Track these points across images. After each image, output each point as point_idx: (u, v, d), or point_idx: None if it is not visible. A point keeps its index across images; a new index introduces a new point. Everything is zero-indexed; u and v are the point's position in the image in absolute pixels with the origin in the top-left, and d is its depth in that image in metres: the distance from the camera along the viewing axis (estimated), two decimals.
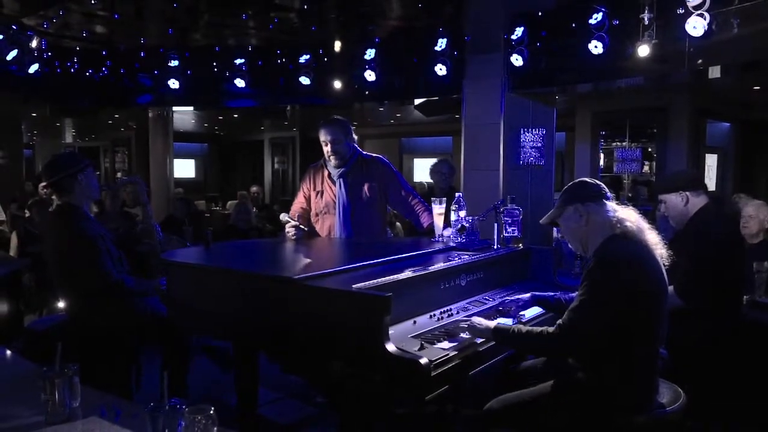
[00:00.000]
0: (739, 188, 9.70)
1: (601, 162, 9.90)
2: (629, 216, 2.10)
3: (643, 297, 1.98)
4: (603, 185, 2.21)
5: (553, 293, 2.54)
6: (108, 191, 6.10)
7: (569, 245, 2.29)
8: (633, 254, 2.01)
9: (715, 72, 4.86)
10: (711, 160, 10.71)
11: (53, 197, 3.18)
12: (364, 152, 3.71)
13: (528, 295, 2.47)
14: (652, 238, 2.09)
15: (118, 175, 14.45)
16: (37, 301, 5.45)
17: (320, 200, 3.62)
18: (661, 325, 2.04)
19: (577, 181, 2.27)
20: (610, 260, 2.00)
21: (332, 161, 3.54)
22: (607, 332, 1.95)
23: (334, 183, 3.58)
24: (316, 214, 3.66)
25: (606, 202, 2.13)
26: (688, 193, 3.01)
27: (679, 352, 2.46)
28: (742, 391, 2.87)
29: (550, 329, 2.01)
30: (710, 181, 10.51)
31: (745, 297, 3.15)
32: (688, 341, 2.72)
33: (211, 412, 1.30)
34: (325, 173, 3.62)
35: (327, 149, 3.53)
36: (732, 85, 8.27)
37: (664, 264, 2.08)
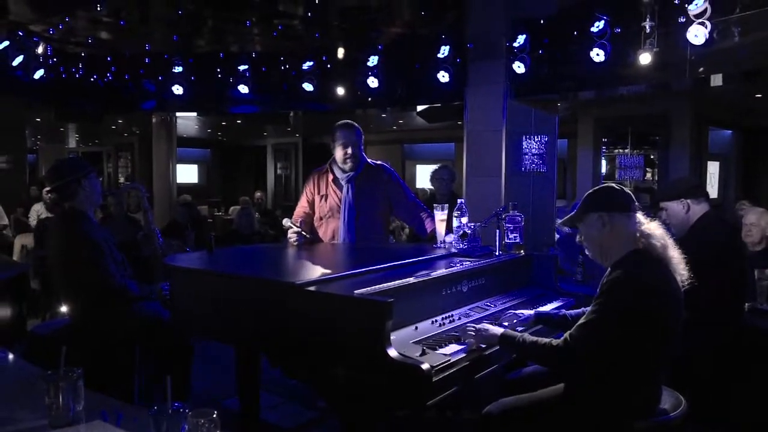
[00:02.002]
0: (741, 195, 9.70)
1: (603, 169, 9.91)
2: (655, 231, 2.04)
3: (658, 320, 1.94)
4: (632, 195, 2.13)
5: (557, 310, 2.52)
6: (113, 197, 6.14)
7: (587, 251, 2.20)
8: (653, 277, 1.96)
9: (717, 80, 4.88)
10: (713, 168, 10.71)
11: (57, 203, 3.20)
12: (369, 159, 3.73)
13: (531, 312, 2.43)
14: (675, 257, 2.03)
15: (121, 180, 14.50)
16: (41, 305, 5.46)
17: (324, 204, 3.63)
18: (672, 341, 2.01)
19: (605, 186, 2.19)
20: (629, 283, 1.94)
21: (347, 165, 3.54)
22: (616, 349, 1.94)
23: (339, 187, 3.59)
24: (320, 218, 3.67)
25: (633, 214, 2.07)
26: (689, 200, 3.01)
27: (681, 359, 2.47)
28: (743, 397, 2.86)
29: (556, 342, 1.99)
30: (712, 189, 10.51)
31: (746, 304, 3.15)
32: (690, 348, 2.72)
33: (214, 416, 1.31)
34: (330, 178, 3.63)
35: (346, 152, 3.52)
36: (734, 93, 8.28)
37: (684, 285, 2.02)
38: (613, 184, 2.19)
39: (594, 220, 2.10)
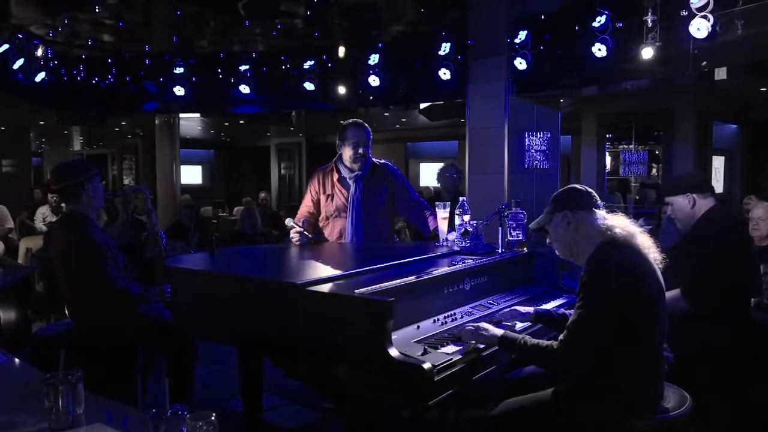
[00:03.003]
0: (747, 190, 9.66)
1: (608, 165, 9.88)
2: (619, 223, 2.10)
3: (640, 303, 1.96)
4: (594, 192, 2.20)
5: (558, 308, 2.51)
6: (120, 199, 6.16)
7: (557, 252, 2.27)
8: (626, 261, 2.00)
9: (721, 73, 4.85)
10: (718, 162, 10.66)
11: (61, 205, 3.21)
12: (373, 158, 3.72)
13: (531, 310, 2.41)
14: (644, 242, 2.08)
15: (126, 182, 14.56)
16: (46, 309, 5.47)
17: (330, 204, 3.61)
18: (660, 327, 2.03)
19: (567, 187, 2.26)
20: (603, 270, 1.99)
21: (357, 164, 3.53)
22: (607, 341, 1.94)
23: (344, 186, 3.58)
24: (326, 218, 3.66)
25: (596, 210, 2.14)
26: (695, 195, 2.98)
27: (686, 356, 2.45)
28: (750, 394, 2.84)
29: (555, 344, 1.99)
30: (718, 183, 10.46)
31: (752, 299, 3.13)
32: (695, 344, 2.70)
33: (212, 418, 1.30)
34: (335, 177, 3.61)
35: (357, 151, 3.50)
36: (738, 87, 8.24)
37: (658, 266, 2.07)
38: (576, 185, 2.26)
39: (560, 220, 2.17)
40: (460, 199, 3.05)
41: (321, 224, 3.69)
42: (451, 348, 2.06)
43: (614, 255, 2.02)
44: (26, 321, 4.74)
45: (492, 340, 2.08)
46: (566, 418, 2.01)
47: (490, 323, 2.22)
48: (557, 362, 2.00)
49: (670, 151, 9.20)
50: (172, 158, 10.84)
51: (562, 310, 2.44)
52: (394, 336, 1.94)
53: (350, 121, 3.63)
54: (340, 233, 3.59)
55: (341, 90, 6.53)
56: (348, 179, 3.56)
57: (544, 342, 2.03)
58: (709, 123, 9.63)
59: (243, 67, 6.85)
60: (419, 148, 15.60)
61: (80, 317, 3.19)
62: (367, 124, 3.61)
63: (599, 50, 4.70)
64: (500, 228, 3.00)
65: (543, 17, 5.20)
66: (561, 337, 1.99)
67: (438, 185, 5.66)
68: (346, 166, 3.57)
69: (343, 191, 3.57)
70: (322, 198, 3.64)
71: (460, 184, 5.45)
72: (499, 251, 2.94)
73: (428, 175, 14.51)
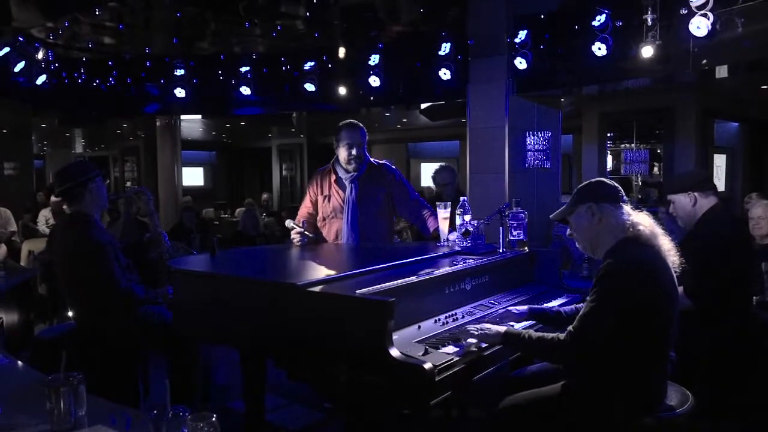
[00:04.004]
0: (748, 188, 9.64)
1: (609, 164, 9.87)
2: (643, 221, 2.08)
3: (654, 303, 1.95)
4: (620, 187, 2.17)
5: (551, 306, 2.51)
6: (123, 200, 6.17)
7: (576, 244, 2.25)
8: (644, 260, 1.99)
9: (722, 72, 4.85)
10: (720, 161, 10.65)
11: (64, 206, 3.21)
12: (372, 158, 3.71)
13: (525, 307, 2.42)
14: (665, 244, 2.06)
15: (128, 184, 14.57)
16: (48, 311, 5.49)
17: (327, 205, 3.62)
18: (671, 329, 2.02)
19: (594, 180, 2.23)
20: (621, 266, 1.97)
21: (351, 165, 3.53)
22: (617, 337, 1.93)
23: (341, 187, 3.58)
24: (323, 219, 3.66)
25: (622, 204, 2.11)
26: (696, 193, 2.98)
27: (688, 354, 2.44)
28: (751, 392, 2.83)
29: (561, 336, 1.98)
30: (719, 182, 10.44)
31: (754, 297, 3.12)
32: (697, 342, 2.70)
33: (213, 419, 1.30)
34: (332, 178, 3.62)
35: (350, 152, 3.49)
36: (739, 85, 8.23)
37: (675, 270, 2.05)
38: (603, 178, 2.23)
39: (584, 211, 2.14)
40: (461, 198, 3.05)
41: (319, 225, 3.70)
42: (452, 348, 2.06)
43: (633, 252, 2.01)
44: (28, 323, 4.76)
45: (496, 338, 2.08)
46: (570, 414, 2.00)
47: (489, 323, 2.22)
48: (564, 353, 1.99)
49: (671, 149, 9.19)
50: (173, 160, 10.86)
51: (556, 307, 2.44)
52: (395, 336, 1.94)
53: (345, 122, 3.62)
54: (336, 234, 3.60)
55: (342, 91, 6.54)
56: (344, 180, 3.57)
57: (549, 334, 2.02)
58: (711, 121, 9.62)
59: (243, 69, 6.86)
60: (420, 149, 15.59)
61: (82, 318, 3.19)
62: (362, 125, 3.59)
63: (599, 49, 4.70)
64: (501, 228, 2.99)
65: (543, 16, 5.20)
66: (570, 328, 1.98)
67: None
68: (342, 167, 3.58)
69: (340, 192, 3.57)
70: (320, 199, 3.65)
71: (456, 179, 5.44)
72: (500, 251, 2.94)
73: (430, 175, 14.51)
